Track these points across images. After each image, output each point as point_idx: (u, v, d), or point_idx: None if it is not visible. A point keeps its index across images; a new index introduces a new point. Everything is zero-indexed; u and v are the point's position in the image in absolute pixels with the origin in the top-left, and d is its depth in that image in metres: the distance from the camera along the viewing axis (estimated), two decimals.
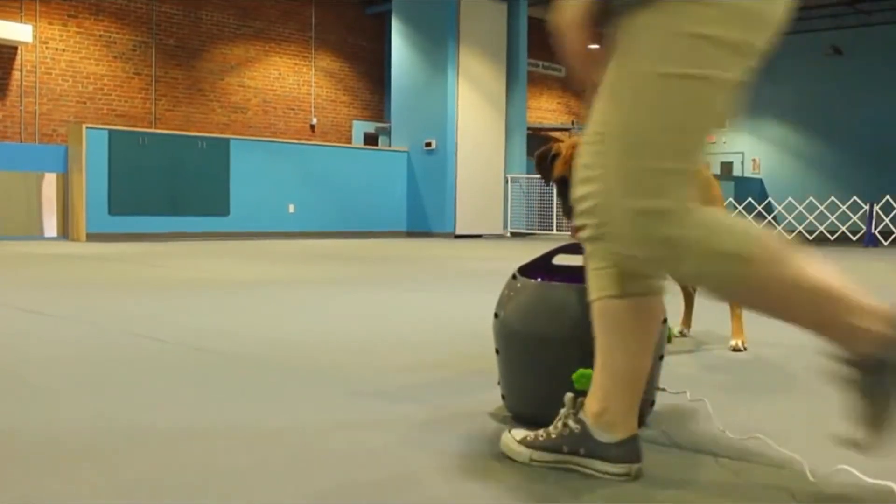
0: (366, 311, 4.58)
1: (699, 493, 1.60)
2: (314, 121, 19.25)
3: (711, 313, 4.16)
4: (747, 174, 27.18)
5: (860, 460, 1.73)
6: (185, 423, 2.08)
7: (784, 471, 1.69)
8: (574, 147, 2.22)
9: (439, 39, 15.95)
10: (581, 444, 1.69)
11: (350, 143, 19.49)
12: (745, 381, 2.71)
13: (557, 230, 17.41)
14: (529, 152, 18.01)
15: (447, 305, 4.93)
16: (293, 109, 18.98)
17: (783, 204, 18.89)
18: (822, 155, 26.10)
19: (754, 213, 18.55)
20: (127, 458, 1.77)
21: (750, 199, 18.93)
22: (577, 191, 1.57)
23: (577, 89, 24.82)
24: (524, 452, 1.75)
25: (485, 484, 1.64)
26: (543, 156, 2.38)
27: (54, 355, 3.01)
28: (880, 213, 14.48)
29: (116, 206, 12.81)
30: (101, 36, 16.05)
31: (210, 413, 2.17)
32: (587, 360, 1.95)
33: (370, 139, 20.09)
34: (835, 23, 25.29)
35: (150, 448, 1.84)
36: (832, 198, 17.66)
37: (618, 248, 1.52)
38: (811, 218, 17.51)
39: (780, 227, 17.92)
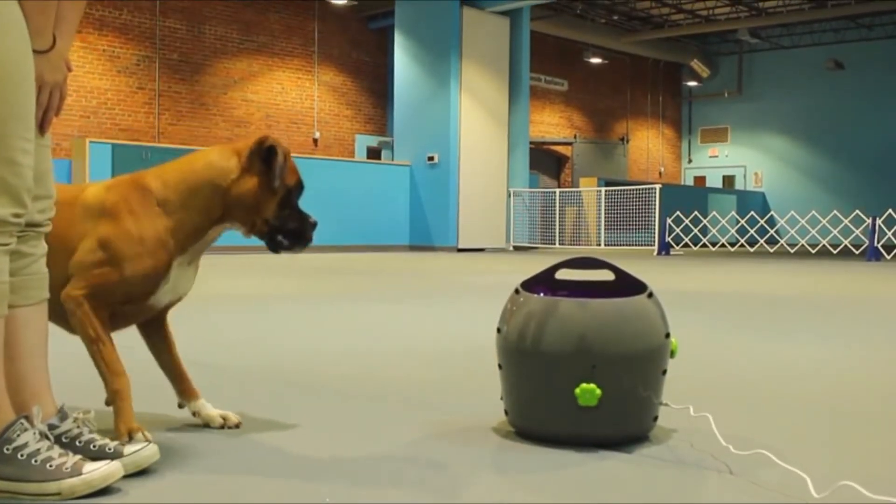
0: (368, 324, 4.58)
1: None
2: (317, 135, 19.30)
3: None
4: (749, 188, 27.19)
5: (863, 476, 1.73)
6: (181, 428, 2.08)
7: (787, 486, 1.69)
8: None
9: (442, 54, 16.00)
10: None
11: (353, 157, 19.54)
12: (748, 396, 2.71)
13: (560, 244, 17.41)
14: (533, 166, 18.04)
15: (450, 319, 4.93)
16: (296, 124, 19.03)
17: (786, 217, 18.88)
18: (824, 168, 26.11)
19: (757, 227, 18.54)
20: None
21: (752, 212, 18.93)
22: None
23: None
24: None
25: (487, 498, 1.64)
26: (275, 149, 2.06)
27: (62, 367, 3.00)
28: (883, 226, 14.46)
29: None
30: (104, 50, 16.12)
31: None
32: (590, 375, 1.95)
33: (373, 153, 20.13)
34: (836, 37, 25.35)
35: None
36: (835, 211, 17.64)
37: None
38: (814, 231, 17.48)
39: (782, 241, 17.92)
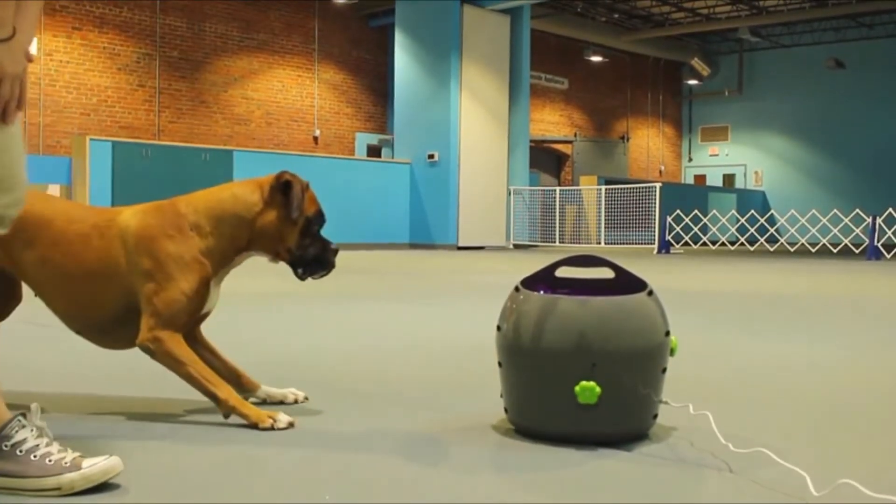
0: (368, 323, 4.58)
1: None
2: (317, 133, 19.29)
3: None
4: (749, 186, 27.19)
5: (863, 474, 1.73)
6: (189, 429, 2.09)
7: (787, 484, 1.69)
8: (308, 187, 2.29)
9: (442, 52, 16.00)
10: None
11: (353, 155, 19.54)
12: (748, 394, 2.71)
13: (560, 242, 17.42)
14: (533, 164, 18.02)
15: (450, 318, 4.93)
16: (296, 121, 19.02)
17: (786, 216, 18.87)
18: (824, 167, 26.10)
19: (757, 226, 18.53)
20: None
21: (752, 211, 18.93)
22: None
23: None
24: None
25: (486, 497, 1.64)
26: (291, 184, 2.22)
27: (67, 366, 3.01)
28: (883, 225, 14.46)
29: None
30: (105, 48, 16.12)
31: (217, 419, 2.17)
32: (590, 373, 1.95)
33: (373, 151, 20.13)
34: (837, 36, 25.33)
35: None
36: (835, 210, 17.64)
37: None
38: (814, 230, 17.48)
39: (782, 240, 17.91)
